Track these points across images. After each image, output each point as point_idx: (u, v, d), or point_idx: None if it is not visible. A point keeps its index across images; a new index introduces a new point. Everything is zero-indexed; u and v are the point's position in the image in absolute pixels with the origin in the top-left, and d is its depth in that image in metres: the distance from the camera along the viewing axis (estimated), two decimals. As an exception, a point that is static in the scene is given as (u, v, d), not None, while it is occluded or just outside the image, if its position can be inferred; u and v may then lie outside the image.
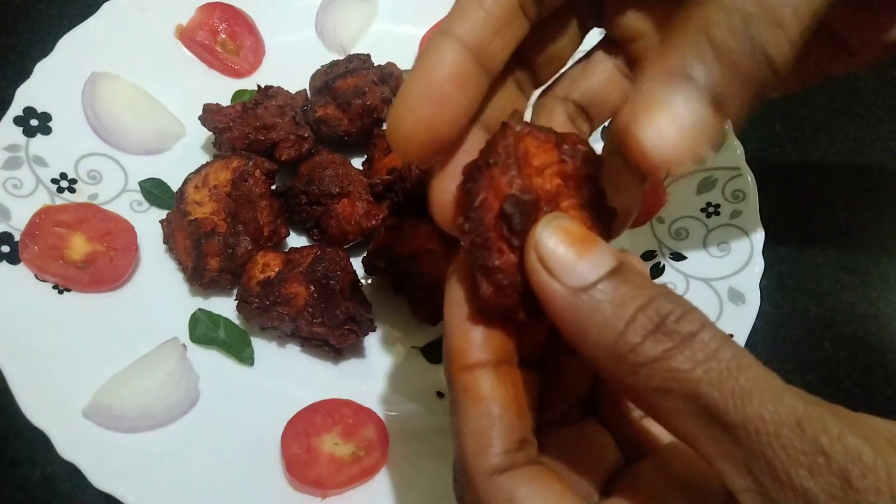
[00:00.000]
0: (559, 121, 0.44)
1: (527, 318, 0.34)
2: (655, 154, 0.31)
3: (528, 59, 0.44)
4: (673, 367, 0.29)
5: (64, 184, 0.71)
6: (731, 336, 0.66)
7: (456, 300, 0.35)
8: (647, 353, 0.29)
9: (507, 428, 0.33)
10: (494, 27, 0.37)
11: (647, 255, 0.75)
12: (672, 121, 0.31)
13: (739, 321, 0.68)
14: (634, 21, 0.44)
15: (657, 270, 0.74)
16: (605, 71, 0.46)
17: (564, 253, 0.31)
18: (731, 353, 0.29)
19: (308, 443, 0.61)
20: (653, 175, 0.37)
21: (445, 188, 0.38)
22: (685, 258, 0.74)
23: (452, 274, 0.36)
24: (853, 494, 0.27)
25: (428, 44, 0.37)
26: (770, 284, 0.71)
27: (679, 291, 0.72)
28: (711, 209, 0.75)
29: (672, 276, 0.73)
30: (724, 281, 0.71)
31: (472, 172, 0.35)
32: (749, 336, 0.68)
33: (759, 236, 0.72)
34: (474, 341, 0.34)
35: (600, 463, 0.38)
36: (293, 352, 0.68)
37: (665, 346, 0.29)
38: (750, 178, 0.75)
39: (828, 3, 0.32)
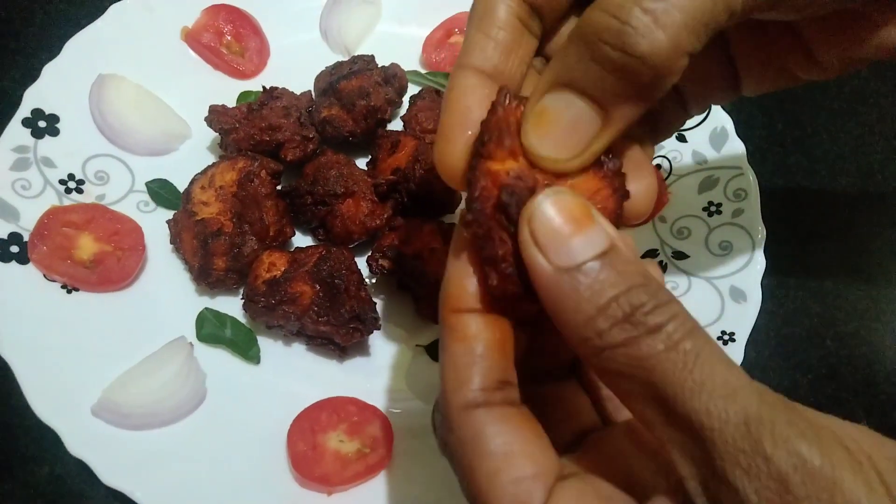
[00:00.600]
0: (502, 18, 0.39)
1: (535, 307, 0.34)
2: (551, 161, 0.35)
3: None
4: (632, 354, 0.30)
5: (72, 184, 0.72)
6: (731, 336, 0.67)
7: (460, 246, 0.36)
8: (610, 340, 0.30)
9: (487, 367, 0.34)
10: (505, 51, 0.39)
11: (649, 254, 0.75)
12: (562, 128, 0.35)
13: (741, 319, 0.69)
14: None
15: (660, 269, 0.74)
16: None
17: (556, 230, 0.32)
18: (692, 345, 0.29)
19: (314, 440, 0.62)
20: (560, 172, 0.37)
21: (448, 149, 0.38)
22: (687, 257, 0.74)
23: (460, 222, 0.37)
24: (790, 500, 0.27)
25: (450, 80, 0.40)
26: (772, 283, 0.71)
27: (681, 290, 0.72)
28: (713, 208, 0.75)
29: (674, 275, 0.73)
30: (725, 279, 0.72)
31: (472, 161, 0.36)
32: (751, 334, 0.69)
33: (760, 235, 0.73)
34: (469, 288, 0.35)
35: (574, 420, 0.40)
36: (299, 350, 0.69)
37: (629, 334, 0.30)
38: (751, 176, 0.76)
39: (726, 16, 0.34)
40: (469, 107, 0.38)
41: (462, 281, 0.35)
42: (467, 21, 0.41)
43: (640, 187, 0.40)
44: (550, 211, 0.32)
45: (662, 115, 0.50)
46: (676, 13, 0.32)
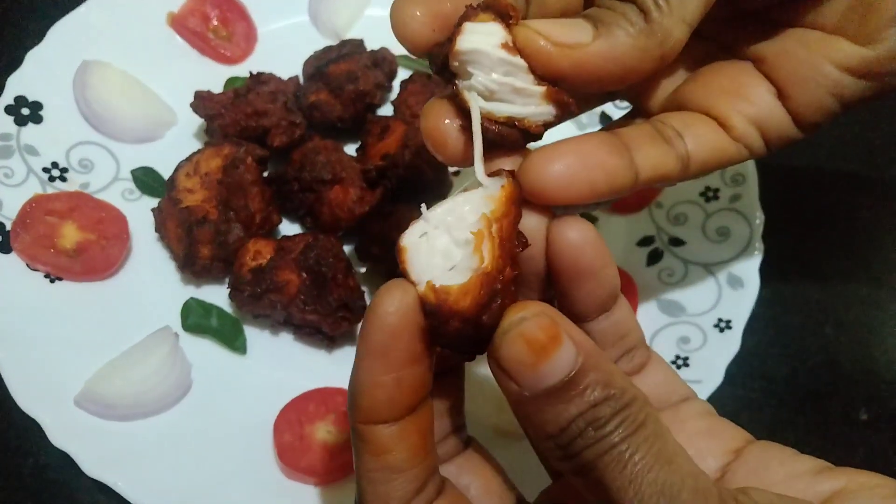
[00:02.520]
0: None
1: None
2: (545, 32, 0.37)
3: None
4: (585, 459, 0.31)
5: (55, 173, 0.71)
6: (728, 324, 0.65)
7: (369, 350, 0.34)
8: (570, 451, 0.32)
9: (406, 479, 0.34)
10: None
11: (646, 241, 0.74)
12: (563, 24, 0.38)
13: (738, 306, 0.68)
14: None
15: (656, 256, 0.73)
16: None
17: (522, 362, 0.31)
18: (629, 446, 0.31)
19: (301, 431, 0.61)
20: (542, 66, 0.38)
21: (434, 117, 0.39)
22: (684, 243, 0.73)
23: (387, 314, 0.33)
24: None
25: None
26: (770, 269, 0.70)
27: (678, 277, 0.71)
28: (711, 193, 0.74)
29: (670, 262, 0.72)
30: (723, 266, 0.70)
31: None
32: (750, 321, 0.67)
33: (758, 221, 0.71)
34: (383, 401, 0.34)
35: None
36: (286, 340, 0.68)
37: (584, 444, 0.31)
38: (749, 161, 0.74)
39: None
40: None
41: (374, 392, 0.34)
42: None
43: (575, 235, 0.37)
44: (516, 344, 0.32)
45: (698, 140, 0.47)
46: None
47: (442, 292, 0.32)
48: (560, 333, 0.32)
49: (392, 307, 0.33)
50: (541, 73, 0.37)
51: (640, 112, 0.50)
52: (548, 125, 0.38)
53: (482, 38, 0.36)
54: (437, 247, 0.34)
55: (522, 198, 0.35)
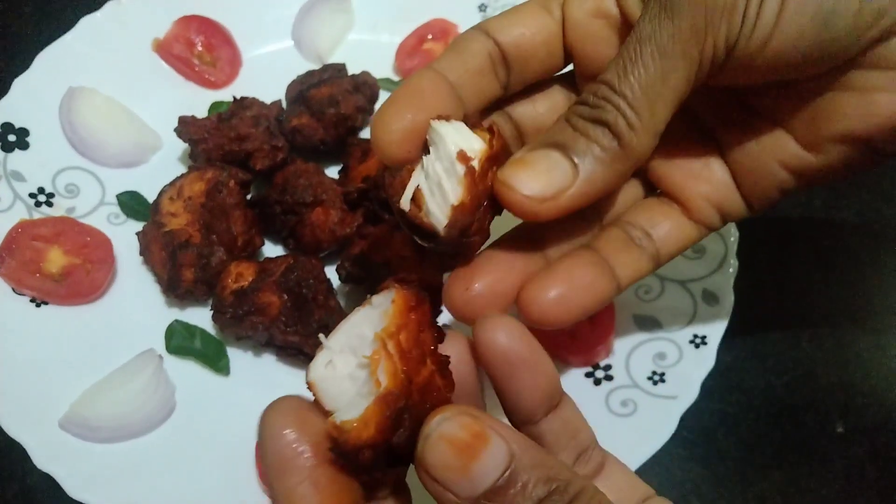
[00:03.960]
0: (475, 49, 0.45)
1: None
2: (522, 197, 0.38)
3: (516, 120, 0.50)
4: None
5: (42, 198, 0.72)
6: (703, 340, 0.66)
7: (282, 463, 0.32)
8: None
9: None
10: (469, 73, 0.43)
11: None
12: (536, 171, 0.39)
13: (714, 322, 0.69)
14: None
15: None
16: (555, 101, 0.50)
17: (450, 467, 0.30)
18: None
19: (282, 451, 0.62)
20: (525, 217, 0.40)
21: (391, 112, 0.41)
22: (660, 260, 0.74)
23: (275, 429, 0.32)
24: None
25: (412, 74, 0.43)
26: (746, 285, 0.71)
27: (654, 294, 0.72)
28: (686, 211, 0.75)
29: (647, 279, 0.73)
30: (698, 282, 0.71)
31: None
32: (726, 336, 0.68)
33: (733, 238, 0.72)
34: None
35: None
36: (269, 361, 0.69)
37: None
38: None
39: (674, 96, 0.39)
40: (423, 89, 0.41)
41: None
42: (448, 46, 0.45)
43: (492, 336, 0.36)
44: (439, 447, 0.30)
45: (665, 235, 0.50)
46: (624, 102, 0.39)
47: (342, 429, 0.30)
48: (485, 430, 0.30)
49: (284, 425, 0.32)
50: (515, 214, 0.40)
51: None
52: (438, 238, 0.39)
53: (450, 129, 0.39)
54: (344, 372, 0.33)
55: (420, 300, 0.34)
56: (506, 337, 0.35)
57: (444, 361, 0.34)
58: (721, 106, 0.49)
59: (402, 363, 0.31)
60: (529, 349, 0.35)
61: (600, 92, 0.40)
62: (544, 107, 0.50)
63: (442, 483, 0.30)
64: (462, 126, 0.40)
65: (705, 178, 0.49)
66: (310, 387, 0.33)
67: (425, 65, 0.43)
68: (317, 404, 0.33)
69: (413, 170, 0.40)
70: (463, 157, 0.38)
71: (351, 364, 0.33)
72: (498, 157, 0.40)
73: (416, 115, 0.40)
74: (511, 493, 0.30)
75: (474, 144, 0.39)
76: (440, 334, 0.34)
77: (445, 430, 0.30)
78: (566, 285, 0.42)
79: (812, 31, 0.37)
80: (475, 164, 0.38)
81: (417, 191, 0.39)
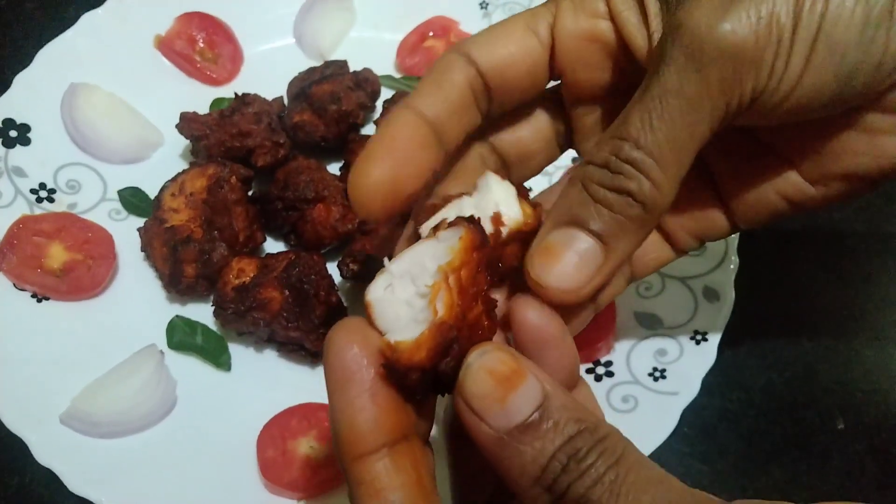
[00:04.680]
0: (455, 80, 0.42)
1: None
2: (558, 292, 0.37)
3: (499, 150, 0.48)
4: (570, 497, 0.31)
5: (43, 194, 0.72)
6: (703, 336, 0.66)
7: (341, 376, 0.33)
8: (556, 492, 0.31)
9: None
10: (449, 109, 0.41)
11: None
12: (567, 262, 0.37)
13: (714, 319, 0.69)
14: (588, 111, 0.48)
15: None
16: (538, 127, 0.48)
17: (488, 396, 0.32)
18: (615, 475, 0.30)
19: (284, 446, 0.62)
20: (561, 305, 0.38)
21: (366, 170, 0.39)
22: (661, 257, 0.74)
23: (341, 343, 0.33)
24: None
25: (390, 114, 0.41)
26: (747, 282, 0.71)
27: (655, 291, 0.72)
28: (687, 208, 0.75)
29: (648, 276, 0.73)
30: (699, 279, 0.71)
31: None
32: (727, 333, 0.68)
33: (733, 234, 0.72)
34: (365, 425, 0.32)
35: None
36: (270, 356, 0.69)
37: (568, 481, 0.31)
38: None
39: (698, 145, 0.37)
40: (400, 138, 0.39)
41: (355, 419, 0.32)
42: (424, 73, 0.43)
43: (535, 318, 0.38)
44: (480, 376, 0.32)
45: (643, 258, 0.50)
46: (650, 160, 0.36)
47: (396, 348, 0.32)
48: (522, 368, 0.32)
49: (348, 338, 0.33)
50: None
51: None
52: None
53: (500, 188, 0.39)
54: (402, 297, 0.34)
55: (483, 241, 0.35)
56: (538, 316, 0.37)
57: (492, 304, 0.36)
58: (719, 136, 0.49)
59: (459, 297, 0.33)
60: (559, 330, 0.37)
61: (623, 153, 0.37)
62: (528, 132, 0.48)
63: (479, 412, 0.32)
64: (512, 190, 0.40)
65: (691, 214, 0.49)
66: (367, 307, 0.35)
67: (403, 101, 0.41)
68: (371, 324, 0.34)
69: (448, 201, 0.40)
70: (497, 219, 0.38)
71: (409, 290, 0.34)
72: (527, 236, 0.39)
73: (392, 169, 0.38)
74: (544, 429, 0.31)
75: (513, 213, 0.39)
76: (493, 279, 0.36)
77: (487, 362, 0.32)
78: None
79: (834, 85, 0.37)
80: (504, 230, 0.38)
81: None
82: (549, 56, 0.44)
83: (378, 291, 0.35)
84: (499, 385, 0.32)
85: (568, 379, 0.38)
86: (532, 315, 0.37)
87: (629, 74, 0.44)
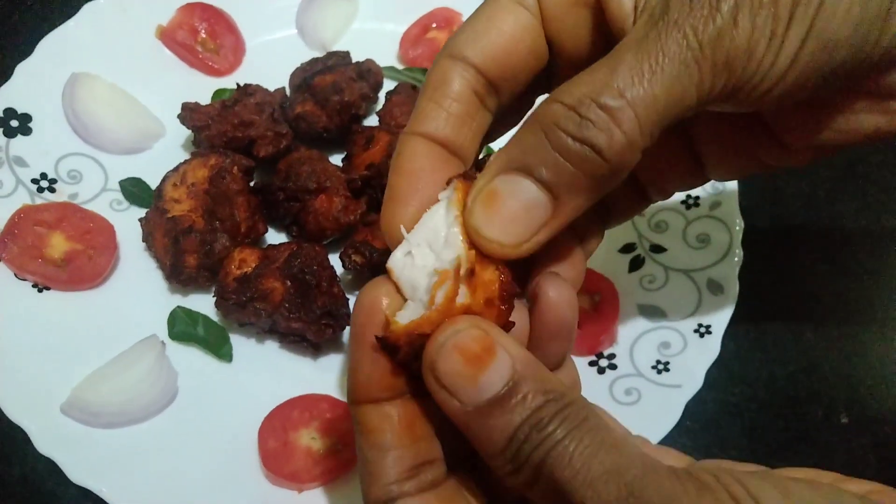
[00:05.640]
0: (456, 90, 0.39)
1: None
2: (496, 245, 0.35)
3: None
4: (533, 462, 0.32)
5: (44, 184, 0.72)
6: (707, 329, 0.66)
7: (359, 334, 0.36)
8: (519, 460, 0.32)
9: (397, 457, 0.35)
10: (457, 123, 0.39)
11: (628, 248, 0.75)
12: (509, 212, 0.35)
13: (718, 312, 0.68)
14: None
15: (637, 263, 0.74)
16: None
17: (458, 374, 0.33)
18: (574, 440, 0.31)
19: (285, 437, 0.61)
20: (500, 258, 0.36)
21: (398, 211, 0.38)
22: (665, 250, 0.73)
23: (363, 301, 0.36)
24: None
25: (398, 145, 0.40)
26: (751, 275, 0.71)
27: (658, 283, 0.72)
28: (691, 201, 0.75)
29: (652, 268, 0.73)
30: (703, 272, 0.71)
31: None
32: (730, 326, 0.68)
33: (738, 227, 0.72)
34: (364, 378, 0.36)
35: None
36: (272, 348, 0.68)
37: (531, 448, 0.32)
38: (729, 169, 0.75)
39: (675, 117, 0.35)
40: (418, 169, 0.38)
41: (356, 373, 0.36)
42: (420, 90, 0.41)
43: (558, 295, 0.38)
44: (451, 356, 0.33)
45: (616, 204, 0.50)
46: (632, 112, 0.33)
47: (390, 325, 0.34)
48: (493, 345, 0.33)
49: (367, 301, 0.36)
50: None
51: None
52: None
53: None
54: (420, 264, 0.35)
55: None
56: (563, 299, 0.38)
57: (510, 290, 0.35)
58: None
59: (468, 289, 0.34)
60: (575, 319, 0.39)
61: (601, 99, 0.34)
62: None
63: (450, 389, 0.33)
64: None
65: (664, 166, 0.50)
66: (388, 273, 0.36)
67: (405, 129, 0.40)
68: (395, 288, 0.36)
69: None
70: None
71: (428, 258, 0.35)
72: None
73: (418, 202, 0.38)
74: (512, 403, 0.32)
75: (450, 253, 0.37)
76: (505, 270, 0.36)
77: (459, 340, 0.33)
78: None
79: (819, 79, 0.37)
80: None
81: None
82: (543, 27, 0.41)
83: (398, 259, 0.36)
84: (469, 364, 0.32)
85: (559, 360, 0.40)
86: (566, 308, 0.38)
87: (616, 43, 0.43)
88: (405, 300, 0.35)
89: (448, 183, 0.37)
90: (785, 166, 0.48)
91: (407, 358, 0.35)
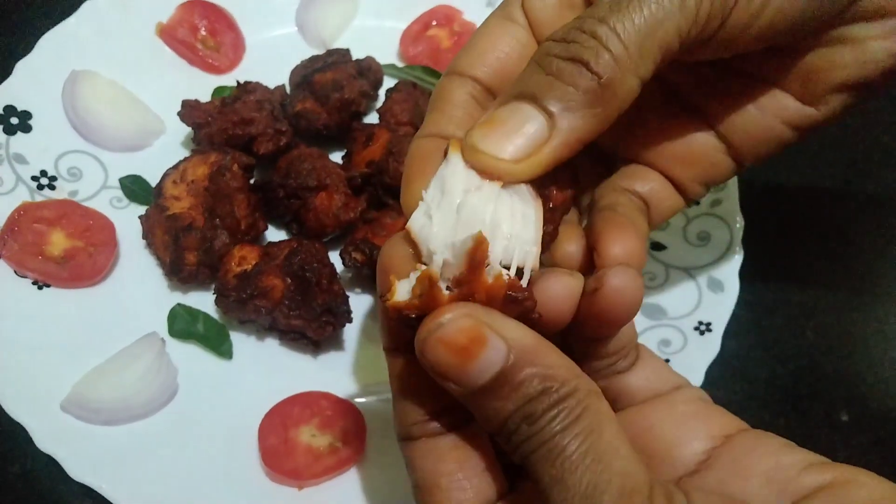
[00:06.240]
0: (459, 99, 0.42)
1: None
2: (491, 159, 0.35)
3: None
4: (531, 446, 0.32)
5: (44, 181, 0.71)
6: (707, 327, 0.66)
7: (381, 281, 0.36)
8: (517, 439, 0.32)
9: (411, 405, 0.37)
10: (462, 124, 0.41)
11: (628, 246, 0.74)
12: (506, 130, 0.36)
13: (718, 309, 0.68)
14: None
15: (637, 260, 0.74)
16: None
17: (449, 364, 0.32)
18: (556, 444, 0.31)
19: (285, 434, 0.61)
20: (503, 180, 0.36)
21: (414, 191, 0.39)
22: (665, 248, 0.73)
23: (382, 257, 0.36)
24: None
25: (410, 148, 0.41)
26: (751, 273, 0.71)
27: (659, 280, 0.72)
28: (691, 198, 0.75)
29: (652, 266, 0.73)
30: (703, 270, 0.71)
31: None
32: (731, 324, 0.68)
33: (738, 225, 0.72)
34: (415, 412, 0.37)
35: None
36: (272, 345, 0.68)
37: (528, 433, 0.32)
38: (729, 166, 0.75)
39: (662, 52, 0.37)
40: (426, 154, 0.39)
41: (405, 407, 0.37)
42: (428, 105, 0.43)
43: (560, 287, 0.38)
44: (437, 349, 0.32)
45: (658, 205, 0.50)
46: (614, 35, 0.35)
47: (393, 296, 0.34)
48: (483, 334, 0.32)
49: (382, 260, 0.36)
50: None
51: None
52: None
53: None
54: (437, 221, 0.35)
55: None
56: (630, 291, 0.37)
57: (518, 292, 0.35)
58: (705, 79, 0.48)
59: (469, 275, 0.33)
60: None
61: (587, 26, 0.36)
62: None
63: (443, 376, 0.33)
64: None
65: (698, 164, 0.50)
66: (407, 232, 0.35)
67: (415, 134, 0.42)
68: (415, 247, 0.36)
69: None
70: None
71: (447, 219, 0.34)
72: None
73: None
74: (505, 390, 0.32)
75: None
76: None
77: (443, 334, 0.32)
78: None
79: (800, 6, 0.38)
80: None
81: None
82: (533, 34, 0.44)
83: (419, 219, 0.35)
84: (456, 355, 0.32)
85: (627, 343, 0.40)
86: (619, 282, 0.37)
87: None
88: (419, 263, 0.35)
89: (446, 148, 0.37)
90: (813, 125, 0.47)
91: (415, 322, 0.34)
